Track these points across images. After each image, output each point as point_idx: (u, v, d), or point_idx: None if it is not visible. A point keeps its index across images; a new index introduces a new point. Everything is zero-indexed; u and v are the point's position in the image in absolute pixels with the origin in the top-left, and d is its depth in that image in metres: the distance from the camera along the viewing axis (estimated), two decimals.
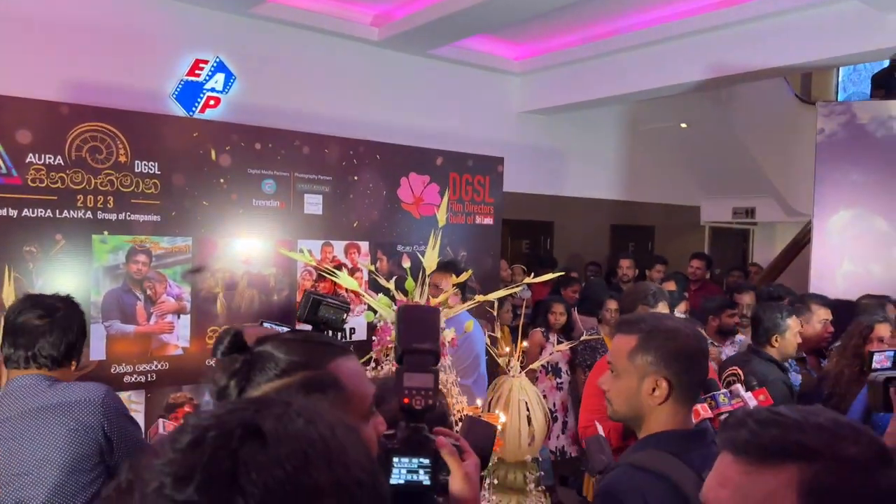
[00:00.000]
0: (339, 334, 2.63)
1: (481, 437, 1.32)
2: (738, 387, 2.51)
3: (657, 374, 1.55)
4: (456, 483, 1.16)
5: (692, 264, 6.60)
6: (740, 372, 3.06)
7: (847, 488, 0.76)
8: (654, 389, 1.54)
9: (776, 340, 3.29)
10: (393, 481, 1.14)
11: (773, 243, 10.50)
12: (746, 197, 9.90)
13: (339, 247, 4.49)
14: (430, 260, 2.83)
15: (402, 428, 1.20)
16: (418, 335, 1.21)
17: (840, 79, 10.01)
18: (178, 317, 3.90)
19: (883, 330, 3.12)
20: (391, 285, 2.99)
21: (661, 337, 1.56)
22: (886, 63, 6.01)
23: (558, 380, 5.21)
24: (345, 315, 2.42)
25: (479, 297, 2.97)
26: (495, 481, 2.93)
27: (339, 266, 4.34)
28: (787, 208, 9.21)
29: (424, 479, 1.15)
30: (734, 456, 0.82)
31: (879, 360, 2.38)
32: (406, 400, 1.19)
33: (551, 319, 5.28)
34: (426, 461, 1.16)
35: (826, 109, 4.93)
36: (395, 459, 1.15)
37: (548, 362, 5.21)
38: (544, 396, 5.18)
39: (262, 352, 1.11)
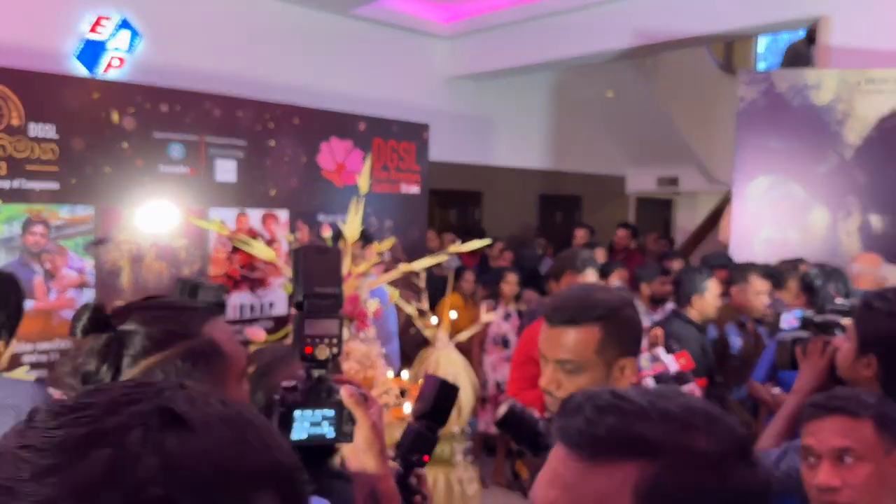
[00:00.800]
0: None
1: (445, 400, 1.30)
2: (659, 350, 2.54)
3: (624, 357, 1.48)
4: (362, 432, 1.13)
5: (618, 234, 6.76)
6: (660, 334, 3.13)
7: (691, 489, 0.65)
8: (623, 370, 1.49)
9: (695, 301, 3.37)
10: (295, 437, 1.10)
11: (695, 212, 10.85)
12: (670, 166, 10.16)
13: (255, 216, 4.34)
14: (352, 229, 2.76)
15: (303, 379, 1.15)
16: (319, 278, 1.15)
17: (760, 49, 10.33)
18: (81, 292, 3.70)
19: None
20: None
21: (623, 319, 1.48)
22: (803, 34, 6.23)
23: (508, 351, 5.24)
24: (224, 296, 2.33)
25: (404, 266, 2.92)
26: None
27: (255, 236, 4.20)
28: (710, 177, 9.51)
29: (328, 431, 1.12)
30: (567, 449, 0.70)
31: (787, 320, 2.46)
32: (309, 349, 1.13)
33: (505, 289, 5.27)
34: (330, 412, 1.12)
35: (746, 78, 5.06)
36: (298, 413, 1.11)
37: (497, 333, 5.22)
38: (494, 369, 5.20)
39: (130, 327, 1.03)
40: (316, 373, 1.16)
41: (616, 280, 4.60)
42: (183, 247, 4.01)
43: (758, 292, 3.45)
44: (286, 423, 1.11)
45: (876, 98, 4.52)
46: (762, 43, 10.19)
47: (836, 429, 1.55)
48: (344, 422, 1.13)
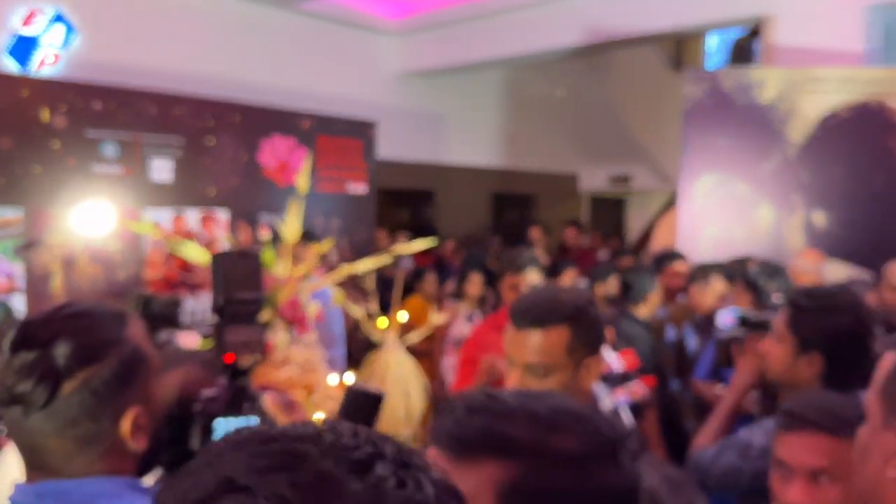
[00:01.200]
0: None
1: (363, 410, 1.25)
2: (605, 348, 2.56)
3: (590, 356, 1.46)
4: None
5: (567, 232, 6.82)
6: (610, 335, 3.16)
7: (552, 488, 0.66)
8: (589, 368, 1.47)
9: (644, 301, 3.41)
10: None
11: (647, 210, 11.01)
12: (622, 164, 10.30)
13: (193, 217, 4.25)
14: (292, 230, 2.72)
15: (226, 387, 1.13)
16: (239, 284, 1.14)
17: (708, 48, 10.54)
18: (10, 297, 3.58)
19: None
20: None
21: (589, 317, 1.47)
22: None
23: None
24: (177, 308, 2.29)
25: (346, 268, 2.89)
26: None
27: (193, 238, 4.11)
28: (661, 175, 9.66)
29: None
30: (437, 450, 0.71)
31: (723, 319, 2.50)
32: (231, 356, 1.12)
33: (469, 290, 5.22)
34: (253, 420, 1.11)
35: (692, 76, 5.14)
36: (220, 422, 1.09)
37: (457, 335, 5.19)
38: (453, 371, 5.17)
39: (58, 340, 0.97)
40: (236, 381, 1.14)
41: (567, 279, 4.63)
42: (118, 250, 3.91)
43: (717, 294, 3.47)
44: (207, 433, 1.09)
45: (818, 97, 4.63)
46: (712, 41, 10.39)
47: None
48: None
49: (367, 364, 4.56)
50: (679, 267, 3.88)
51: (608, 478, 0.68)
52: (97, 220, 3.84)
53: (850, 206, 4.60)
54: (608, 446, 0.69)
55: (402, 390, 4.32)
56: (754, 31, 6.09)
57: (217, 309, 1.14)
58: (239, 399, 1.13)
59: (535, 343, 1.42)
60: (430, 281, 5.39)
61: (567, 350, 1.42)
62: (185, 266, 3.99)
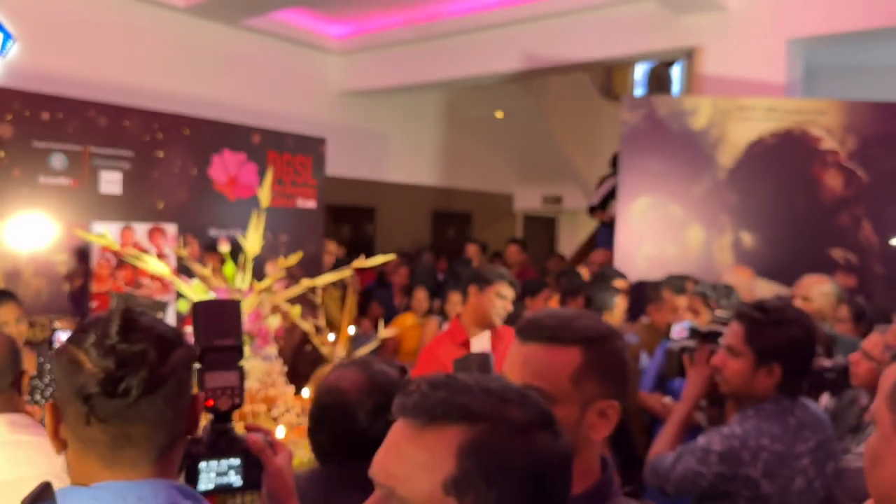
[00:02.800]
0: None
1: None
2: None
3: (605, 399, 1.17)
4: (269, 478, 1.17)
5: (509, 250, 6.90)
6: None
7: (502, 448, 0.78)
8: (604, 414, 1.18)
9: (605, 318, 3.49)
10: (202, 487, 1.13)
11: (577, 230, 11.27)
12: (555, 185, 10.53)
13: (141, 230, 4.13)
14: (253, 243, 2.68)
15: (208, 430, 1.17)
16: (218, 331, 1.18)
17: (637, 76, 10.93)
18: None
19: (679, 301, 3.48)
20: (207, 271, 2.80)
21: (610, 350, 1.20)
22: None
23: None
24: (161, 313, 2.24)
25: (306, 282, 2.86)
26: None
27: (142, 252, 3.99)
28: (590, 196, 9.92)
29: (235, 480, 1.15)
30: (404, 420, 0.82)
31: (677, 331, 2.60)
32: (210, 401, 1.16)
33: (415, 305, 5.36)
34: (236, 461, 1.15)
35: (629, 103, 5.33)
36: (203, 464, 1.13)
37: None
38: None
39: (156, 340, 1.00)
40: (218, 424, 1.18)
41: (541, 301, 4.67)
42: (63, 261, 3.75)
43: (675, 308, 3.55)
44: (192, 475, 1.13)
45: (745, 124, 4.88)
46: (639, 70, 10.78)
47: (733, 332, 1.98)
48: (251, 469, 1.16)
49: (314, 378, 4.51)
50: (619, 284, 3.98)
51: (547, 443, 0.81)
52: (43, 231, 3.68)
53: (774, 226, 4.84)
54: (546, 418, 0.83)
55: None
56: (669, 62, 6.38)
57: (197, 356, 1.16)
58: (221, 441, 1.16)
59: (537, 360, 1.17)
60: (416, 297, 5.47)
61: (574, 377, 1.15)
62: (133, 279, 3.87)
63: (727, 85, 5.33)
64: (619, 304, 3.63)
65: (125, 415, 0.95)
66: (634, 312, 4.20)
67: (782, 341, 1.92)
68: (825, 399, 2.46)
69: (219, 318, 1.20)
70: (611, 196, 6.86)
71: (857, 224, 4.73)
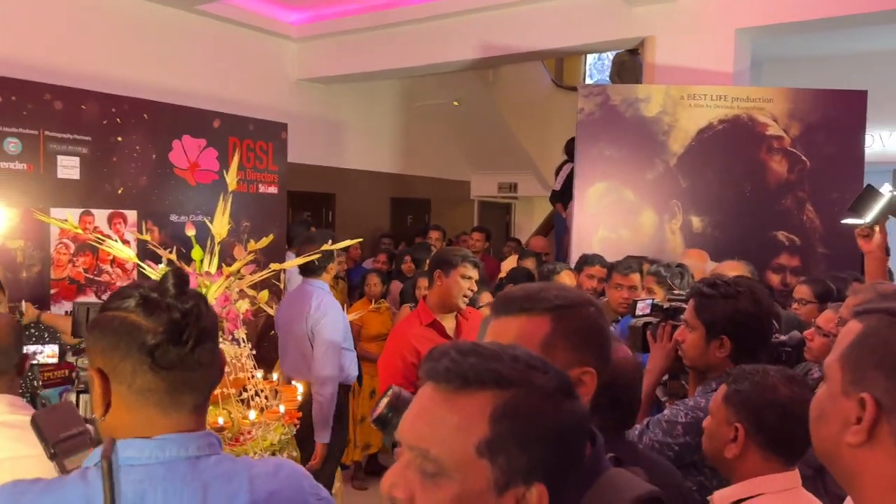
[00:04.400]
0: None
1: None
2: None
3: (579, 366, 1.15)
4: None
5: (473, 237, 6.89)
6: None
7: (532, 412, 0.81)
8: (580, 381, 1.15)
9: None
10: None
11: (532, 216, 11.36)
12: (510, 173, 10.57)
13: (100, 216, 4.00)
14: (220, 227, 2.62)
15: None
16: (61, 425, 1.17)
17: (588, 66, 11.02)
18: None
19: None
20: (172, 256, 2.72)
21: (581, 317, 1.19)
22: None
23: None
24: None
25: (274, 266, 2.80)
26: (294, 453, 2.82)
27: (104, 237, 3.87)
28: (545, 183, 9.99)
29: None
30: (435, 384, 0.84)
31: (641, 308, 2.64)
32: None
33: (367, 290, 5.35)
34: None
35: (585, 91, 5.36)
36: None
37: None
38: None
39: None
40: None
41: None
42: (20, 248, 3.61)
43: (633, 287, 3.59)
44: None
45: (696, 111, 4.96)
46: (590, 59, 10.88)
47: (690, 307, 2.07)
48: None
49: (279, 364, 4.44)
50: (597, 271, 4.01)
51: (570, 407, 0.84)
52: None
53: (722, 210, 4.95)
54: (568, 385, 0.86)
55: None
56: (634, 50, 6.43)
57: (50, 455, 1.15)
58: None
59: (507, 332, 1.17)
60: (373, 283, 5.44)
61: (543, 343, 1.14)
62: (93, 266, 3.74)
63: (678, 73, 5.41)
64: (563, 279, 3.67)
65: (187, 361, 1.07)
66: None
67: (728, 314, 1.97)
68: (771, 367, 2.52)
69: (56, 416, 1.19)
70: (568, 182, 6.92)
71: (801, 207, 4.87)
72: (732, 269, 3.60)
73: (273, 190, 4.98)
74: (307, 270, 3.70)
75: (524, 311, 1.18)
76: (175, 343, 1.05)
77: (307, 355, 3.58)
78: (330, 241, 3.16)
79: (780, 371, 1.64)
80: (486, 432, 0.79)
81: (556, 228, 7.27)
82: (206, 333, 1.10)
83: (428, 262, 5.59)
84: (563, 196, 7.10)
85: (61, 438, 1.15)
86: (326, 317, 3.56)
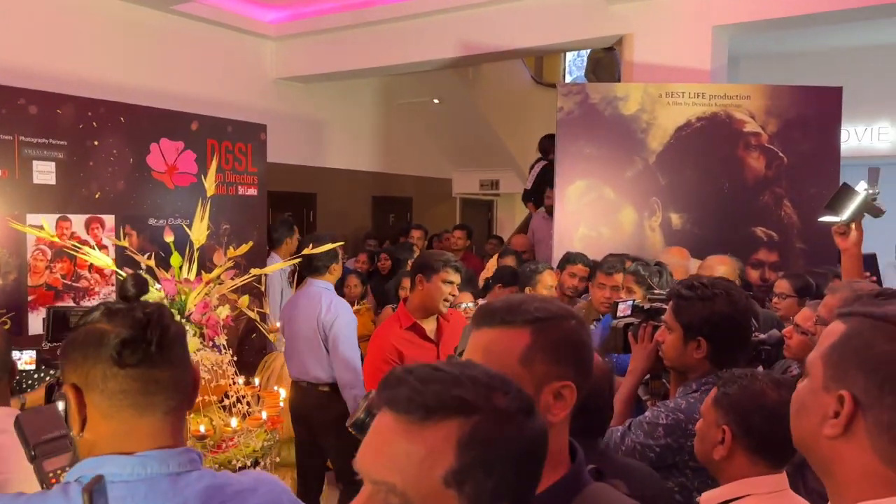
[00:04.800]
0: None
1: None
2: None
3: (559, 380, 1.14)
4: None
5: (455, 235, 6.87)
6: None
7: (497, 437, 0.80)
8: (559, 396, 1.14)
9: (529, 292, 3.52)
10: None
11: (514, 212, 11.37)
12: (491, 170, 10.58)
13: (78, 221, 3.94)
14: (199, 234, 2.59)
15: None
16: (43, 427, 1.19)
17: (567, 62, 11.05)
18: None
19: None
20: (151, 262, 2.69)
21: (562, 330, 1.17)
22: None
23: None
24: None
25: (255, 270, 2.78)
26: (277, 459, 2.81)
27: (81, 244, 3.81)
28: (524, 179, 10.00)
29: None
30: (395, 414, 0.81)
31: (622, 309, 2.64)
32: (53, 480, 1.16)
33: (346, 292, 5.34)
34: None
35: (565, 89, 5.37)
36: None
37: None
38: None
39: None
40: None
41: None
42: None
43: (615, 286, 3.59)
44: None
45: (674, 109, 4.99)
46: (570, 56, 10.90)
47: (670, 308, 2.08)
48: None
49: (262, 367, 4.43)
50: (579, 270, 4.02)
51: (532, 426, 0.84)
52: None
53: (701, 206, 4.98)
54: (528, 403, 0.85)
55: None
56: (610, 47, 6.45)
57: (30, 458, 1.18)
58: None
59: (487, 345, 1.16)
60: (353, 284, 5.43)
61: (522, 357, 1.13)
62: (71, 272, 3.69)
63: (656, 71, 5.43)
64: (544, 281, 3.69)
65: (154, 359, 1.09)
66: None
67: (705, 315, 1.98)
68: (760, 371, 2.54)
69: (39, 419, 1.21)
70: (541, 180, 6.93)
71: (779, 203, 4.91)
72: (720, 263, 3.62)
73: (253, 192, 4.94)
74: (311, 270, 3.68)
75: (504, 323, 1.16)
76: (139, 340, 1.09)
77: (318, 356, 3.54)
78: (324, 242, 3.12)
79: (768, 375, 1.66)
80: (453, 462, 0.78)
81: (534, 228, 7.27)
82: (172, 335, 1.13)
83: (410, 262, 5.64)
84: (534, 195, 7.11)
85: (42, 440, 1.17)
86: (339, 318, 3.54)
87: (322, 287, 3.66)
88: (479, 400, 0.80)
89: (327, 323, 3.52)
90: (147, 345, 1.09)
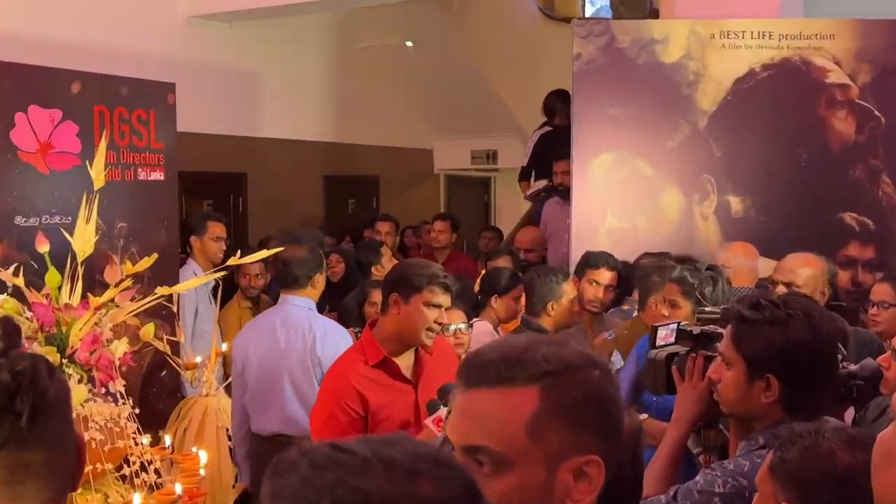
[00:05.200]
0: None
1: None
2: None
3: (581, 454, 1.13)
4: None
5: (434, 227, 6.87)
6: None
7: None
8: (582, 475, 1.14)
9: (552, 308, 3.56)
10: None
11: (517, 194, 11.38)
12: (486, 137, 10.60)
13: None
14: (84, 242, 2.58)
15: None
16: None
17: None
18: None
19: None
20: (19, 280, 2.68)
21: (582, 385, 1.17)
22: None
23: None
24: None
25: (162, 290, 2.77)
26: None
27: None
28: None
29: None
30: None
31: (662, 336, 2.65)
32: None
33: None
34: None
35: (583, 29, 5.30)
36: None
37: None
38: None
39: None
40: None
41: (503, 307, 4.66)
42: None
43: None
44: None
45: (731, 54, 4.99)
46: None
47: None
48: None
49: (175, 416, 4.40)
50: (605, 276, 4.05)
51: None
52: None
53: (771, 187, 5.00)
54: (469, 489, 0.85)
55: (227, 446, 4.22)
56: None
57: None
58: None
59: (481, 412, 1.15)
60: None
61: (530, 429, 1.11)
62: None
63: (707, 3, 5.42)
64: (569, 293, 3.72)
65: (24, 437, 1.10)
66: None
67: (777, 345, 1.98)
68: (851, 414, 2.56)
69: None
70: (539, 154, 6.92)
71: (875, 179, 4.94)
72: (804, 264, 3.63)
73: (158, 175, 4.90)
74: (286, 284, 3.67)
75: (503, 381, 1.14)
76: (5, 413, 1.09)
77: (312, 403, 3.48)
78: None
79: (837, 432, 1.67)
80: None
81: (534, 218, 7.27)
82: (49, 402, 1.14)
83: (375, 269, 5.63)
84: (531, 173, 7.11)
85: None
86: (338, 349, 3.50)
87: (306, 308, 3.67)
88: (391, 491, 0.81)
89: (327, 359, 3.49)
90: (15, 418, 1.09)
